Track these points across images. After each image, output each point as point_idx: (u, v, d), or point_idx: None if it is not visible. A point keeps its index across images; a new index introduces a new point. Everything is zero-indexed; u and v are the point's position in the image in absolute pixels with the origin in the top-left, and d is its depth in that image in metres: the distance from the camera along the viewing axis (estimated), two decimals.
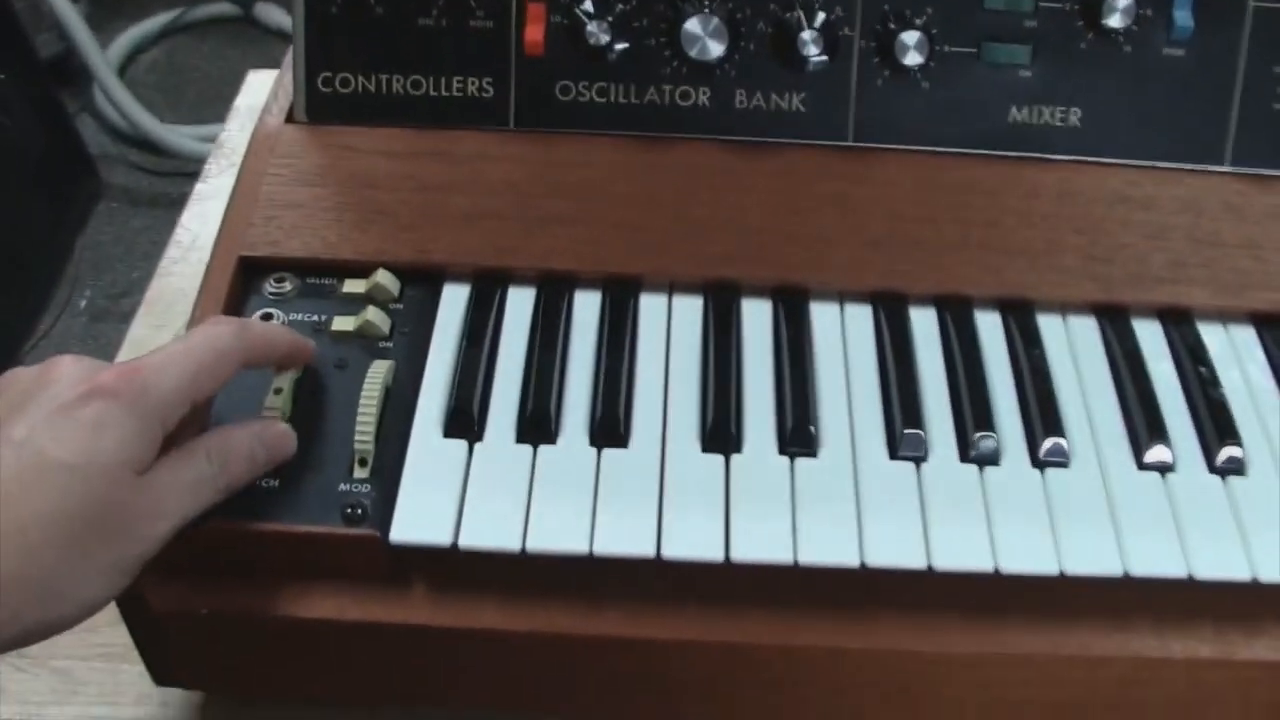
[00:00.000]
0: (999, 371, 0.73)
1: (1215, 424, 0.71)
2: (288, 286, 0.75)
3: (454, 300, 0.75)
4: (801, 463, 0.67)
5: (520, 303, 0.75)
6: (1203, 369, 0.74)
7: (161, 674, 0.69)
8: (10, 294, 1.96)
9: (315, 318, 0.73)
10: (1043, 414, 0.70)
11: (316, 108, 0.80)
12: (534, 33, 0.78)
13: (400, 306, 0.74)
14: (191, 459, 0.60)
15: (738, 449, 0.68)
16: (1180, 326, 0.76)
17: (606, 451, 0.67)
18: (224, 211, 0.77)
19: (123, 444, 0.56)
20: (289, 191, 0.77)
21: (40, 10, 2.23)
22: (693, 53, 0.77)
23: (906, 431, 0.68)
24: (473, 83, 0.79)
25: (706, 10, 0.77)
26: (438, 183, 0.77)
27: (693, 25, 0.77)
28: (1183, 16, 0.78)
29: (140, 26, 2.53)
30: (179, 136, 2.32)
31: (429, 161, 0.78)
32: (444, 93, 0.79)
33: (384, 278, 0.74)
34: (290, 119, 0.81)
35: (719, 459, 0.67)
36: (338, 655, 0.66)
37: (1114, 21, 0.78)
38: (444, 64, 0.79)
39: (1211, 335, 0.76)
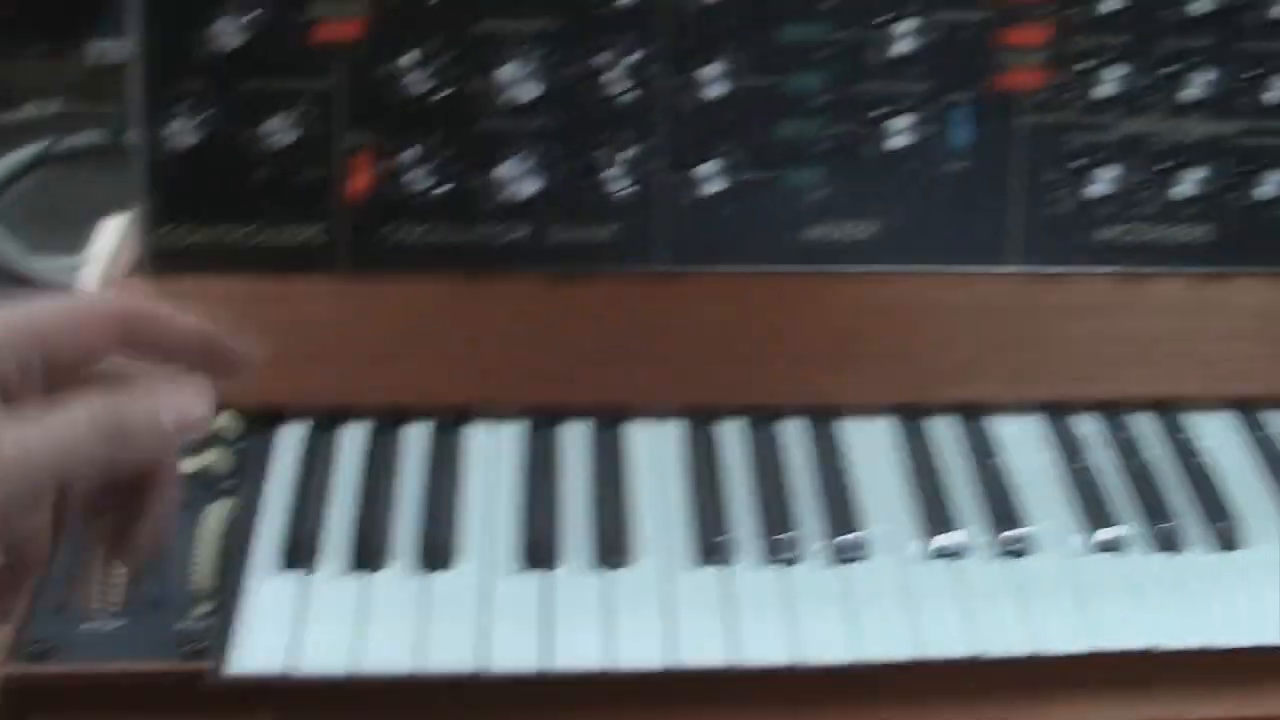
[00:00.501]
0: (802, 476, 0.83)
1: (1003, 509, 0.81)
2: None
3: (292, 439, 0.84)
4: (615, 575, 0.77)
5: (354, 438, 0.84)
6: (991, 460, 0.84)
7: None
8: None
9: None
10: (841, 513, 0.80)
11: (159, 260, 0.90)
12: (359, 181, 0.88)
13: (243, 446, 0.83)
14: (64, 412, 0.50)
15: (555, 565, 0.77)
16: (976, 420, 0.87)
17: (433, 575, 0.76)
18: None
19: None
20: None
21: None
22: (507, 193, 0.87)
23: (715, 540, 0.78)
24: (305, 231, 0.89)
25: (519, 152, 0.87)
26: (276, 328, 0.86)
27: (507, 167, 0.87)
28: (959, 132, 0.90)
29: (9, 157, 2.59)
30: (47, 268, 2.37)
31: (267, 308, 0.88)
32: (279, 241, 0.89)
33: (226, 421, 0.83)
34: (135, 271, 0.90)
35: (537, 575, 0.76)
36: None
37: (897, 140, 0.89)
38: (278, 214, 0.89)
39: (1005, 431, 0.87)
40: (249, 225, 0.90)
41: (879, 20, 0.89)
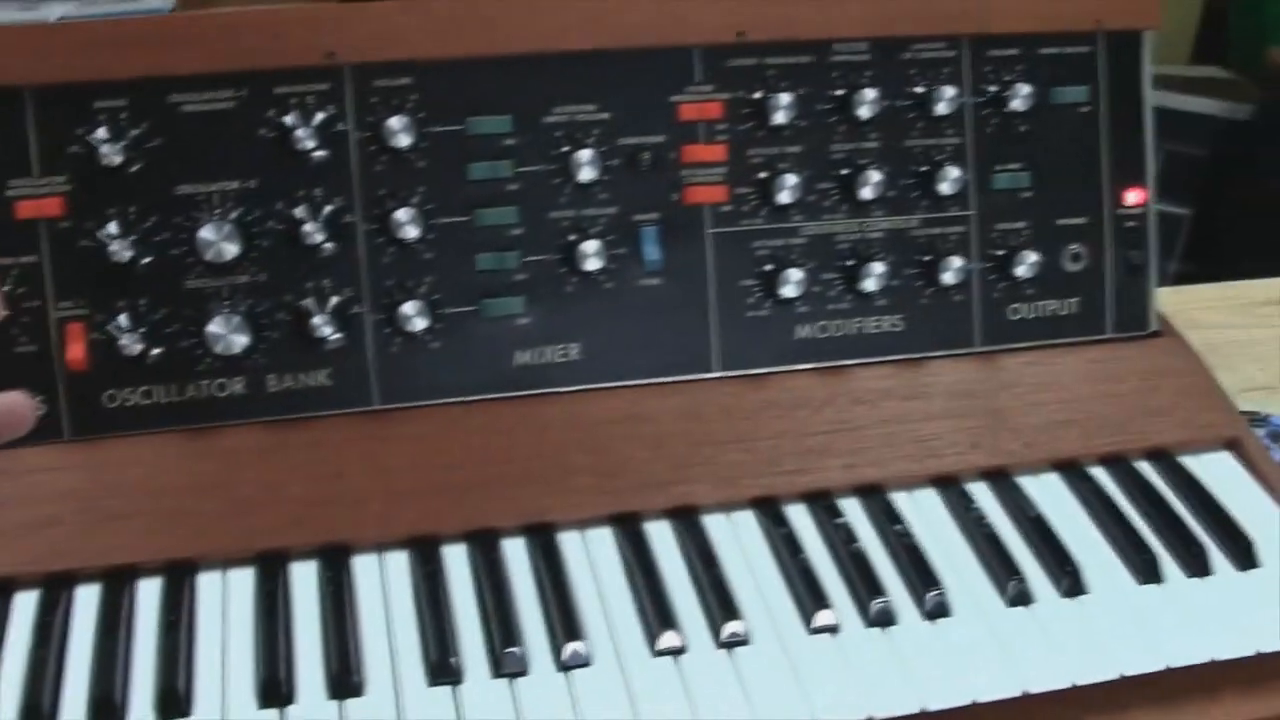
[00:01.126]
0: (526, 591, 1.06)
1: (719, 605, 1.06)
2: None
3: (24, 609, 1.05)
4: (350, 704, 1.00)
5: (87, 600, 1.05)
6: (705, 560, 1.09)
7: None
8: None
9: None
10: (563, 623, 1.04)
11: None
12: (75, 350, 1.10)
13: None
14: None
15: (291, 701, 1.00)
16: (688, 522, 1.12)
17: None
18: None
19: None
20: None
21: None
22: (219, 349, 1.10)
23: (441, 661, 1.01)
24: None
25: (227, 308, 1.11)
26: (2, 502, 1.09)
27: (216, 325, 1.10)
28: (650, 250, 1.15)
29: None
30: None
31: None
32: None
33: None
34: None
35: (274, 714, 0.99)
36: None
37: (590, 264, 1.14)
38: None
39: (717, 526, 1.12)
40: None
41: (559, 151, 1.15)
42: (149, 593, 1.03)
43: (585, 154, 1.09)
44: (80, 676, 0.97)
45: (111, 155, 1.05)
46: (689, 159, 1.12)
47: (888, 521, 1.08)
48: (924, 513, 1.10)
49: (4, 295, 0.84)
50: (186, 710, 0.96)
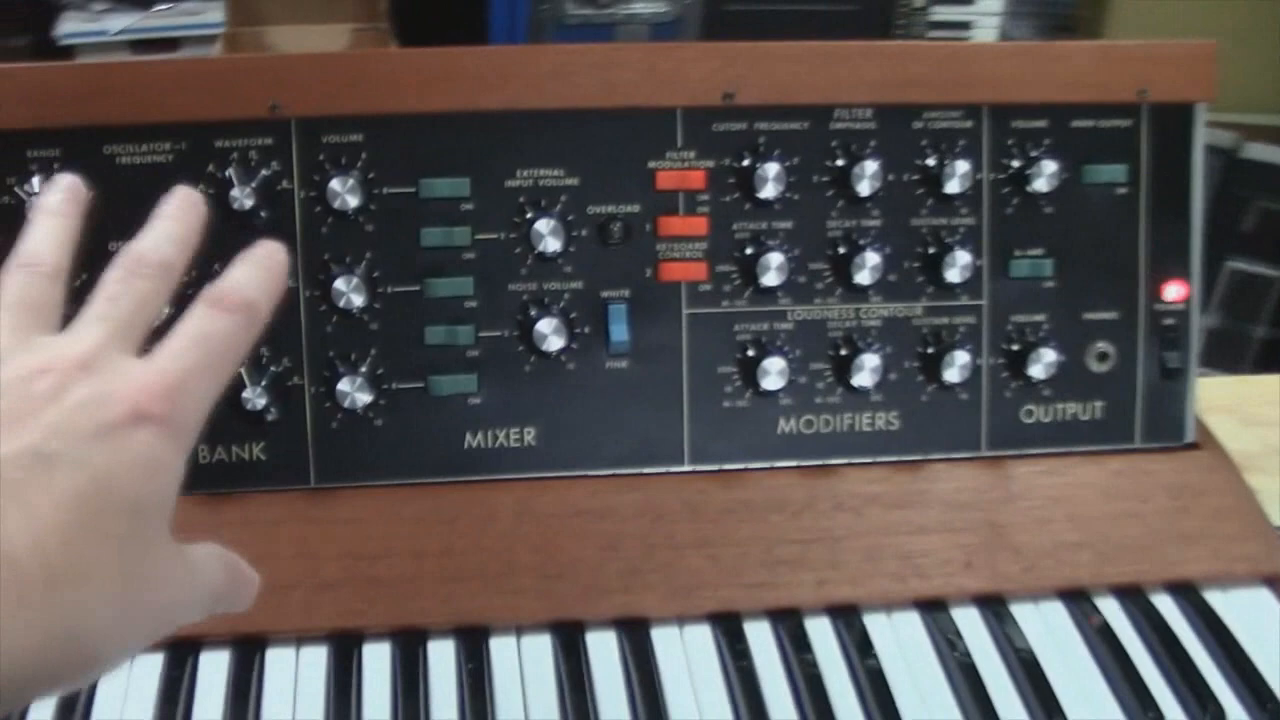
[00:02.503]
0: (447, 699, 0.98)
1: None
2: None
3: None
4: None
5: None
6: (644, 679, 0.99)
7: None
8: None
9: None
10: None
11: None
12: None
13: None
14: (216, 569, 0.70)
15: None
16: (633, 636, 1.02)
17: None
18: None
19: (169, 495, 0.61)
20: None
21: None
22: None
23: None
24: None
25: None
26: None
27: None
28: (618, 330, 1.06)
29: None
30: None
31: None
32: None
33: None
34: None
35: None
36: None
37: (551, 343, 1.05)
38: None
39: (666, 643, 1.02)
40: None
41: (521, 218, 1.06)
42: None
43: (550, 222, 1.01)
44: None
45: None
46: (666, 231, 1.03)
47: (858, 649, 0.97)
48: (901, 640, 1.00)
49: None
50: None
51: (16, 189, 1.01)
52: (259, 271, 0.73)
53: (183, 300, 0.76)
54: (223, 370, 0.65)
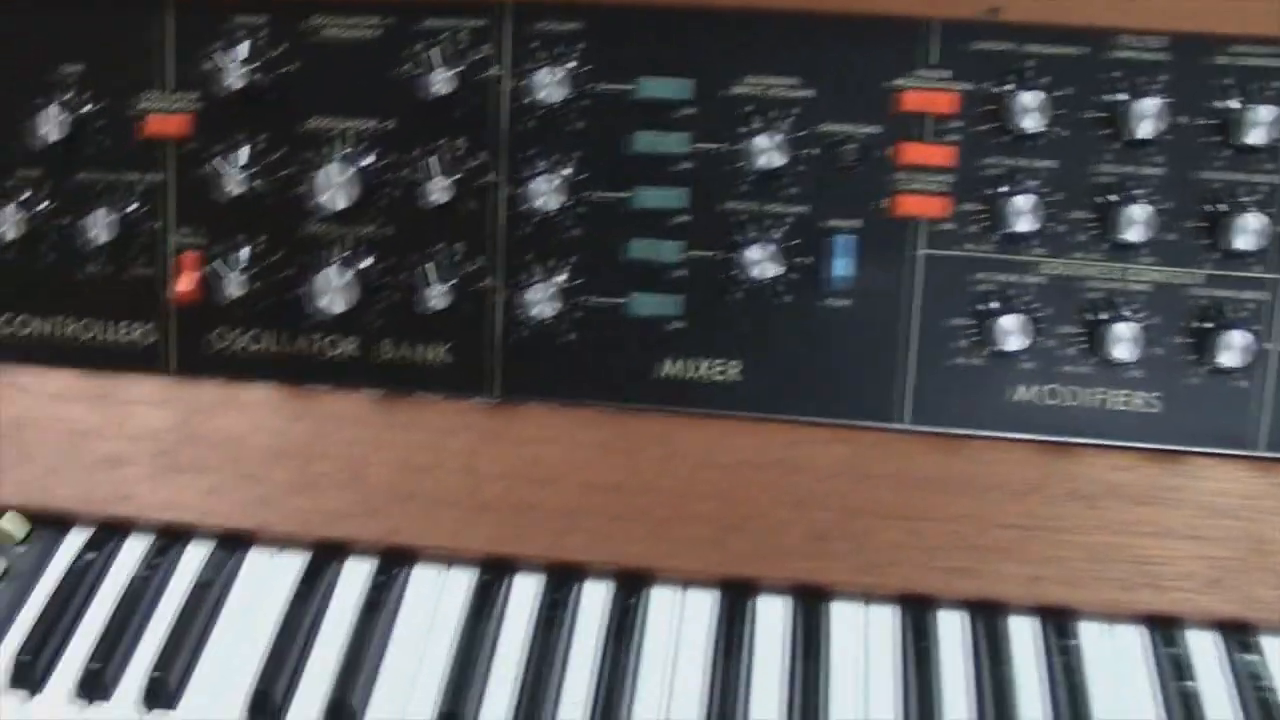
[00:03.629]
0: (584, 649, 0.89)
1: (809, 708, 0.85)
2: None
3: (70, 549, 0.97)
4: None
5: (130, 554, 0.97)
6: (816, 663, 0.88)
7: None
8: None
9: None
10: (608, 701, 0.86)
11: None
12: (186, 282, 1.01)
13: (23, 549, 0.97)
14: None
15: (281, 717, 0.87)
16: (809, 606, 0.91)
17: (155, 715, 0.88)
18: None
19: None
20: None
21: None
22: (324, 304, 0.98)
23: (448, 714, 0.86)
24: (133, 329, 1.02)
25: (341, 261, 0.98)
26: (88, 427, 1.01)
27: (326, 277, 0.98)
28: (840, 264, 0.94)
29: None
30: None
31: (85, 406, 1.02)
32: (107, 338, 1.03)
33: (9, 521, 0.98)
34: None
35: None
36: None
37: (765, 270, 0.94)
38: (106, 310, 1.03)
39: (843, 618, 0.90)
40: (81, 319, 1.05)
41: (744, 129, 0.94)
42: (191, 562, 0.92)
43: (776, 137, 0.91)
44: (87, 639, 0.92)
45: (246, 77, 0.96)
46: (906, 159, 0.91)
47: (1062, 660, 0.84)
48: (1118, 657, 0.87)
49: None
50: (173, 703, 0.89)
51: (221, 56, 0.95)
52: None
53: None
54: None
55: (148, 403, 1.00)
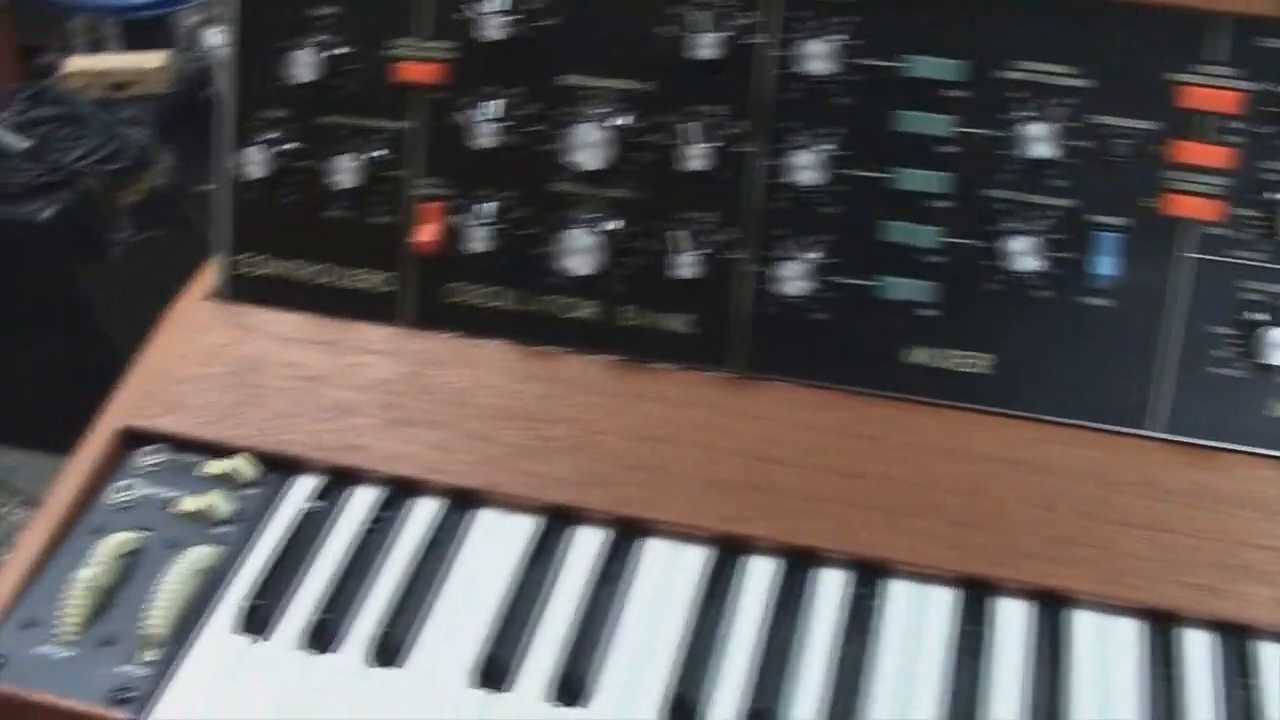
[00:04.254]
0: (818, 640, 0.88)
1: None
2: (158, 459, 0.99)
3: (299, 494, 0.97)
4: (569, 713, 0.85)
5: (359, 505, 0.96)
6: (1058, 671, 0.85)
7: None
8: None
9: (169, 494, 0.97)
10: (844, 699, 0.84)
11: (234, 287, 1.05)
12: (427, 233, 1.00)
13: (252, 492, 0.97)
14: None
15: (507, 687, 0.86)
16: (1049, 613, 0.88)
17: (380, 671, 0.87)
18: (124, 379, 1.03)
19: None
20: (185, 366, 1.02)
21: None
22: (570, 265, 0.97)
23: (679, 692, 0.85)
24: (370, 276, 1.02)
25: (591, 221, 0.96)
26: (317, 373, 1.00)
27: (573, 238, 0.96)
28: (1104, 261, 0.91)
29: None
30: None
31: (316, 351, 1.01)
32: (343, 284, 1.02)
33: (240, 464, 0.97)
34: (211, 296, 1.07)
35: (484, 695, 0.86)
36: None
37: (1025, 263, 0.91)
38: (345, 256, 1.02)
39: (1084, 628, 0.88)
40: (320, 263, 1.04)
41: (1017, 115, 0.91)
42: (419, 517, 0.93)
43: (1047, 126, 0.88)
44: (315, 588, 0.91)
45: (505, 28, 0.95)
46: (1181, 158, 0.88)
47: None
48: None
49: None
50: (399, 662, 0.88)
51: (478, 5, 0.93)
52: None
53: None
54: None
55: (379, 352, 0.99)
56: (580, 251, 0.95)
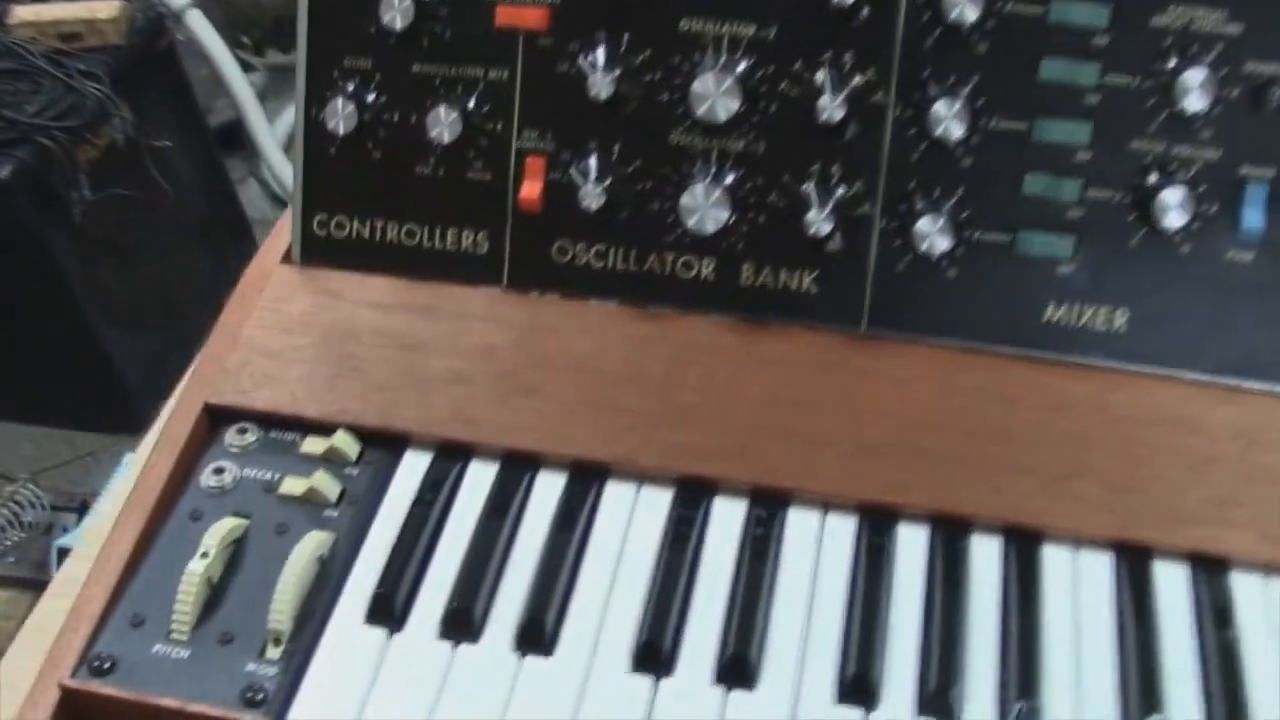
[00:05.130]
0: (982, 613, 0.80)
1: (1225, 702, 0.76)
2: (249, 438, 0.88)
3: (411, 471, 0.87)
4: (737, 696, 0.76)
5: (479, 481, 0.86)
6: (1227, 632, 0.79)
7: None
8: (161, 345, 2.26)
9: (269, 476, 0.86)
10: (1021, 671, 0.77)
11: (311, 249, 0.94)
12: (531, 189, 0.90)
13: (356, 471, 0.87)
14: None
15: (669, 672, 0.77)
16: (1211, 577, 0.82)
17: (529, 660, 0.78)
18: (200, 351, 0.91)
19: None
20: (268, 337, 0.91)
21: (220, 78, 2.56)
22: (691, 222, 0.87)
23: (857, 675, 0.76)
24: (467, 236, 0.92)
25: (711, 176, 0.87)
26: (417, 341, 0.90)
27: (694, 194, 0.87)
28: (1252, 215, 0.84)
29: None
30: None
31: (413, 317, 0.91)
32: (437, 244, 0.92)
33: (342, 440, 0.87)
34: (287, 258, 0.95)
35: (647, 682, 0.77)
36: None
37: (1171, 218, 0.84)
38: (439, 214, 0.92)
39: (1247, 590, 0.81)
40: (408, 224, 0.93)
41: (1162, 65, 0.84)
42: (546, 491, 0.82)
43: (1197, 74, 0.81)
44: (446, 572, 0.82)
45: None
46: None
47: None
48: None
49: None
50: (549, 648, 0.79)
51: None
52: None
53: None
54: None
55: (482, 317, 0.90)
56: (701, 208, 0.87)
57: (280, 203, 2.75)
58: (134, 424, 2.25)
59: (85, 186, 1.82)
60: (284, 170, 2.64)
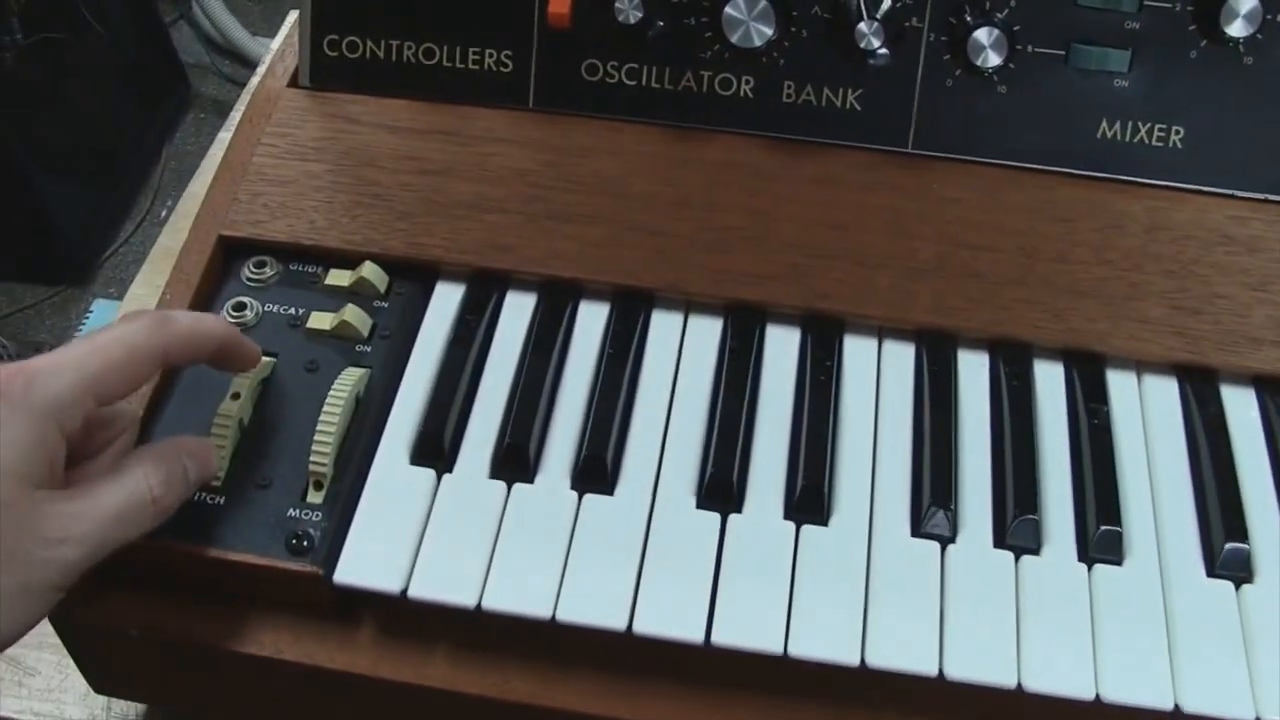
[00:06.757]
0: (1053, 439, 0.71)
1: None
2: (268, 272, 0.76)
3: (445, 303, 0.75)
4: (808, 532, 0.67)
5: (517, 312, 0.75)
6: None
7: (99, 684, 0.73)
8: (97, 194, 2.10)
9: (293, 311, 0.74)
10: (1098, 497, 0.68)
11: (322, 72, 0.81)
12: (560, 3, 0.77)
13: (386, 304, 0.75)
14: (124, 482, 0.60)
15: (738, 508, 0.68)
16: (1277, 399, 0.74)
17: (588, 497, 0.68)
18: (210, 181, 0.78)
19: (11, 448, 0.54)
20: (281, 165, 0.78)
21: None
22: (735, 38, 0.76)
23: (933, 508, 0.67)
24: (490, 55, 0.79)
25: None
26: (441, 165, 0.78)
27: (737, 7, 0.75)
28: None
29: None
30: (270, 50, 2.39)
31: (435, 140, 0.79)
32: (458, 64, 0.80)
33: (370, 271, 0.75)
34: (294, 83, 0.82)
35: (714, 519, 0.67)
36: (275, 690, 0.68)
37: (1235, 28, 0.75)
38: (460, 32, 0.79)
39: None
40: (426, 42, 0.81)
41: None
42: (590, 321, 0.71)
43: None
44: (492, 408, 0.72)
45: None
46: None
47: None
48: None
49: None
50: (610, 485, 0.69)
51: None
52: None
53: None
54: (107, 370, 0.58)
55: (509, 140, 0.78)
56: (741, 23, 0.75)
57: (214, 45, 2.56)
58: (73, 274, 2.09)
59: (17, 31, 1.63)
60: (218, 12, 2.45)
